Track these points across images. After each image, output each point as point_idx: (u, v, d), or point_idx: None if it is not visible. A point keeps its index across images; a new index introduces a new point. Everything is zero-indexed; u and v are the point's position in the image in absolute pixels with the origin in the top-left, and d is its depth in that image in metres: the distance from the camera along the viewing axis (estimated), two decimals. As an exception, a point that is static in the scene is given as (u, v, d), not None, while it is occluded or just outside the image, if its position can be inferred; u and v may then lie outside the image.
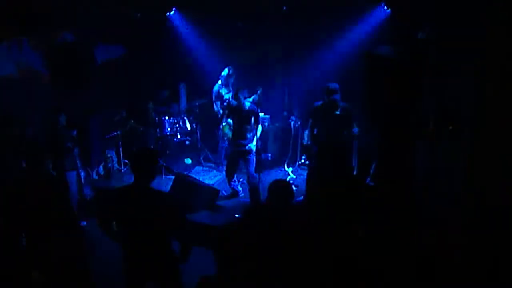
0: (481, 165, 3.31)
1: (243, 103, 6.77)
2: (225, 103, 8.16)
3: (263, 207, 4.65)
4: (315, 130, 6.71)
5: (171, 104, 9.12)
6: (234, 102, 6.88)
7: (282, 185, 4.15)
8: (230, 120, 7.82)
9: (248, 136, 6.84)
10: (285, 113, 8.96)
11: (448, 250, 3.83)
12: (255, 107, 6.84)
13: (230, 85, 8.32)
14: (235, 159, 7.15)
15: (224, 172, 7.60)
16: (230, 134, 8.04)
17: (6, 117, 6.23)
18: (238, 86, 7.26)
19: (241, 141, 6.85)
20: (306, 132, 6.87)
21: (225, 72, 8.24)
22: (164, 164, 8.21)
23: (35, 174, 4.47)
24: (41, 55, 7.53)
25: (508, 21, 2.97)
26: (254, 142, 6.79)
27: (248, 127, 6.83)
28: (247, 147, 6.81)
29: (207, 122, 9.11)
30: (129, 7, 7.94)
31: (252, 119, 6.80)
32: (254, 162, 6.84)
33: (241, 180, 7.61)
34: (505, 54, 3.03)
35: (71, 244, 4.55)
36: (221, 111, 8.17)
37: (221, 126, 8.30)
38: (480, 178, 3.33)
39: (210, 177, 8.40)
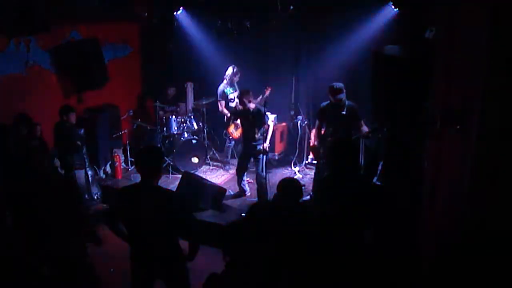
0: (488, 166, 3.29)
1: (248, 107, 6.84)
2: (230, 103, 8.19)
3: (270, 204, 4.65)
4: (322, 130, 6.72)
5: (178, 103, 9.15)
6: (239, 107, 7.01)
7: (292, 183, 4.15)
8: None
9: (258, 136, 6.91)
10: (292, 113, 8.96)
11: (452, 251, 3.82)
12: (261, 108, 6.89)
13: (235, 84, 8.34)
14: (246, 159, 7.22)
15: (230, 171, 7.58)
16: (235, 133, 8.10)
17: (14, 117, 6.27)
18: (243, 88, 7.30)
19: (252, 142, 6.92)
20: (313, 132, 6.89)
21: (229, 71, 8.26)
22: (171, 163, 8.24)
23: (43, 173, 4.52)
24: (49, 54, 7.56)
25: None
26: (266, 144, 6.86)
27: (257, 128, 6.89)
28: (257, 148, 6.86)
29: (214, 121, 9.13)
30: (136, 6, 7.96)
31: (258, 120, 6.86)
32: (264, 162, 6.87)
33: (247, 179, 7.63)
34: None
35: (78, 243, 4.58)
36: (225, 111, 8.20)
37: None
38: (487, 178, 3.31)
39: (217, 176, 8.42)
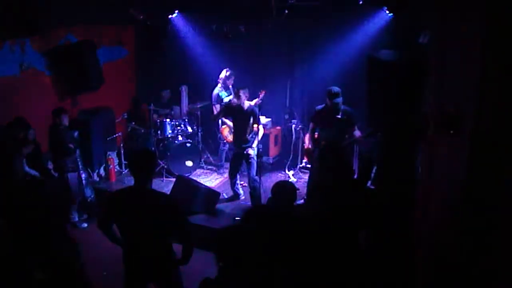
0: (483, 170, 3.30)
1: (243, 103, 6.78)
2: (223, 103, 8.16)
3: (264, 208, 4.64)
4: (316, 133, 6.73)
5: (172, 106, 9.14)
6: (235, 101, 6.85)
7: (286, 187, 4.15)
8: (230, 123, 7.84)
9: (249, 139, 6.87)
10: (287, 116, 8.97)
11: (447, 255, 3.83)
12: (254, 108, 6.86)
13: (229, 87, 8.34)
14: (237, 161, 7.18)
15: (225, 175, 7.57)
16: (229, 137, 8.08)
17: (14, 120, 6.25)
18: (239, 86, 7.27)
19: (243, 145, 6.89)
20: (307, 135, 6.89)
21: (222, 74, 8.26)
22: (165, 166, 8.23)
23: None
24: (44, 56, 7.53)
25: (509, 21, 2.97)
26: (255, 145, 6.80)
27: (248, 129, 6.84)
28: (248, 150, 6.82)
29: (209, 125, 9.13)
30: (132, 9, 7.94)
31: (251, 119, 6.81)
32: (255, 165, 6.85)
33: (242, 183, 7.62)
34: (506, 56, 3.03)
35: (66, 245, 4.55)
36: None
37: (220, 128, 8.32)
38: (480, 182, 3.32)
39: (211, 179, 8.42)
